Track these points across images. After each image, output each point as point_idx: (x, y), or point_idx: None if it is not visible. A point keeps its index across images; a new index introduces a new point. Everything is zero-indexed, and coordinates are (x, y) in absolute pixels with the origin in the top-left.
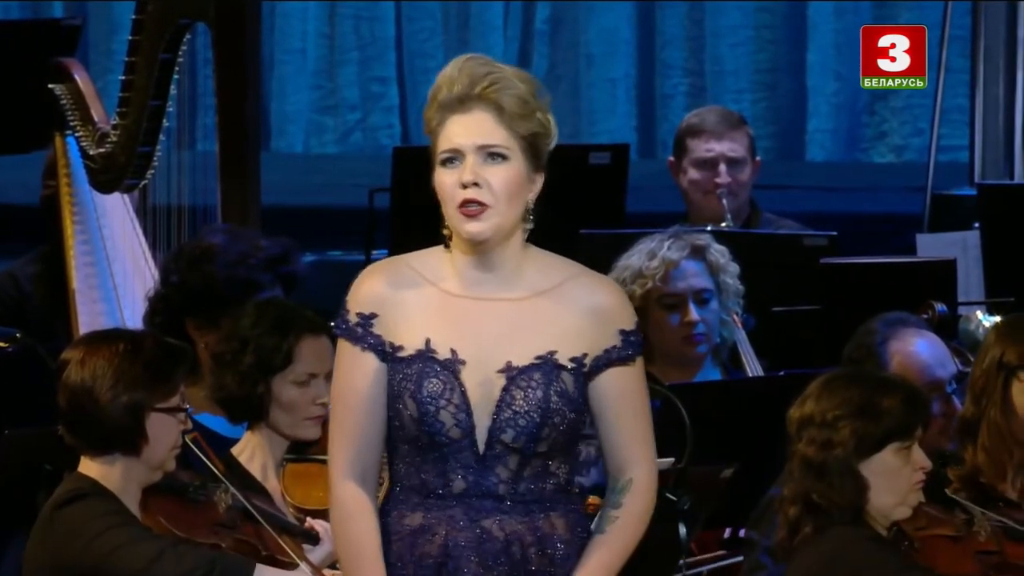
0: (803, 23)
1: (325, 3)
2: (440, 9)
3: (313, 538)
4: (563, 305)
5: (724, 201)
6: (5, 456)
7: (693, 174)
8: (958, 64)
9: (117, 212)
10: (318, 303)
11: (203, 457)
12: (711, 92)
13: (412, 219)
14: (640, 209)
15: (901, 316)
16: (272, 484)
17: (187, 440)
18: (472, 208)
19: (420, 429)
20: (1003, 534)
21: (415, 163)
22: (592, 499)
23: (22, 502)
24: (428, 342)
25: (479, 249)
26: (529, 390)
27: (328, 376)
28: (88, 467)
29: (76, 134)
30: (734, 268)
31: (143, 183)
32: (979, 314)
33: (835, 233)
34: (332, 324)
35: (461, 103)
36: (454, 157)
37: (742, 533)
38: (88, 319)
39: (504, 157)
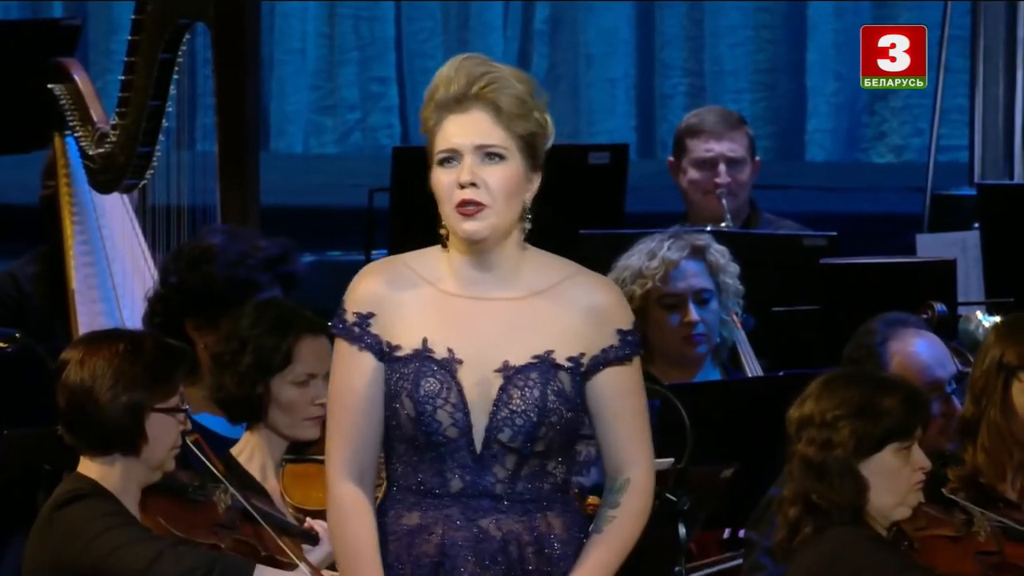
0: (803, 23)
1: (325, 3)
2: (440, 9)
3: (312, 538)
4: (561, 305)
5: (724, 201)
6: (5, 456)
7: (693, 174)
8: (958, 64)
9: (116, 212)
10: (317, 303)
11: (203, 458)
12: (710, 92)
13: (412, 219)
14: (639, 209)
15: (901, 316)
16: (271, 484)
17: (188, 442)
18: (469, 208)
19: (417, 429)
20: (1003, 534)
21: (415, 163)
22: (592, 499)
23: (22, 502)
24: (425, 341)
25: (476, 249)
26: (526, 389)
27: (327, 376)
28: (87, 467)
29: (75, 134)
30: (734, 268)
31: (142, 183)
32: (979, 314)
33: (835, 233)
34: (329, 324)
35: (458, 103)
36: (451, 157)
37: (742, 534)
38: (87, 319)
39: (502, 157)
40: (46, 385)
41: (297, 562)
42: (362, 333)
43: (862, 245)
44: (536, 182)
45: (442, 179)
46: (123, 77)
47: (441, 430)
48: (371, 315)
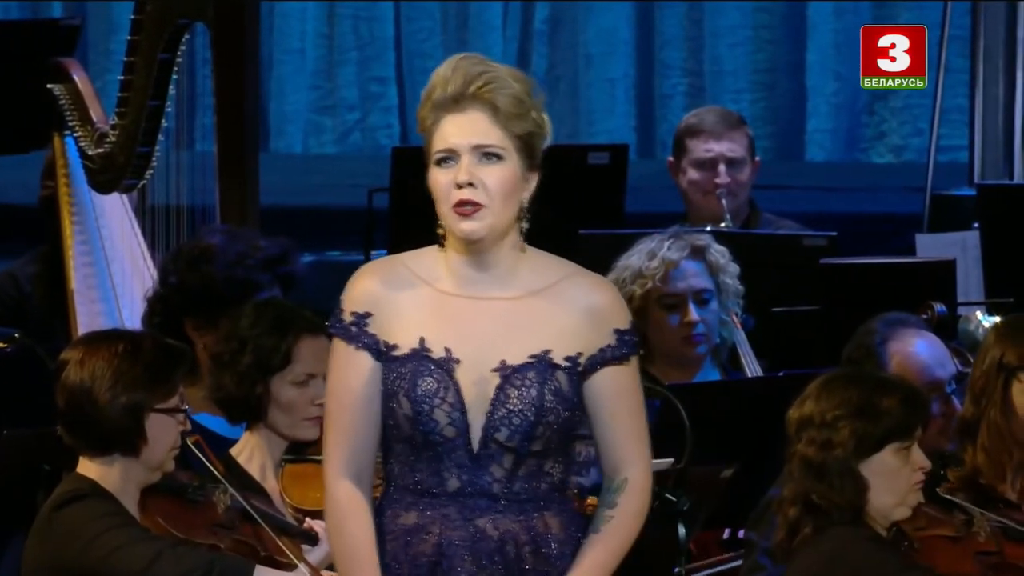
0: (802, 23)
1: (324, 3)
2: (439, 9)
3: (312, 539)
4: (558, 304)
5: (723, 201)
6: (4, 456)
7: (692, 174)
8: (958, 64)
9: (116, 212)
10: (317, 303)
11: (202, 458)
12: (710, 92)
13: (411, 219)
14: (639, 209)
15: (900, 316)
16: (271, 484)
17: (189, 443)
18: (467, 208)
19: (414, 428)
20: (1002, 534)
21: (414, 163)
22: (592, 499)
23: (21, 502)
24: (422, 341)
25: (474, 248)
26: (523, 389)
27: (327, 377)
28: (87, 468)
29: (75, 134)
30: (734, 268)
31: (142, 183)
32: (979, 314)
33: (835, 233)
34: (327, 323)
35: (456, 102)
36: (449, 157)
37: (741, 534)
38: (87, 319)
39: (499, 157)
40: (45, 385)
41: (296, 562)
42: (359, 333)
43: (862, 245)
44: (534, 182)
45: (439, 179)
46: (122, 77)
47: (438, 429)
48: (368, 315)
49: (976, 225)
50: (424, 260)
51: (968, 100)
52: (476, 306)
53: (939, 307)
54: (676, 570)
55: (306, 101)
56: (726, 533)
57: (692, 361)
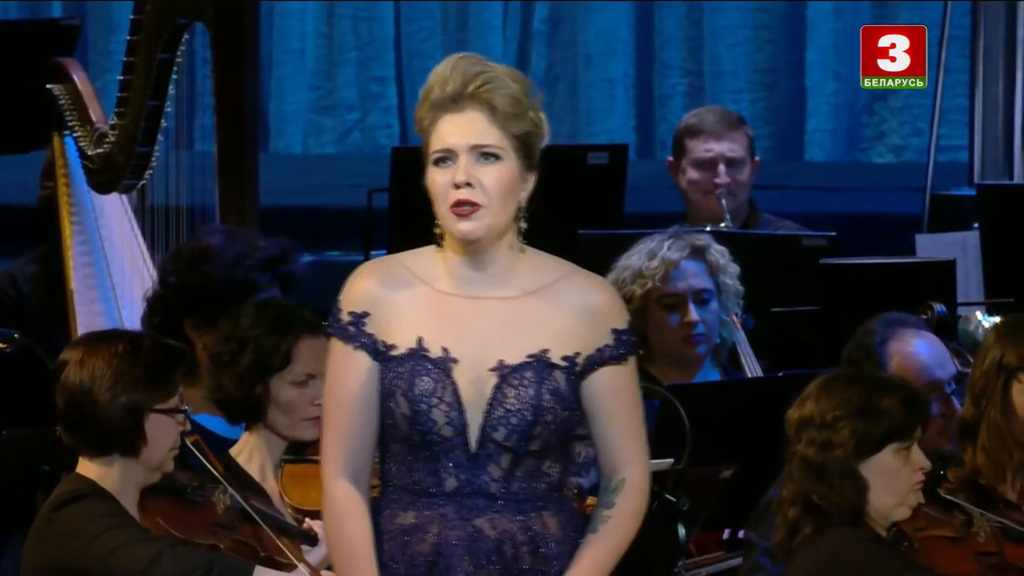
0: (802, 23)
1: (324, 3)
2: (439, 9)
3: (311, 539)
4: (555, 304)
5: (723, 201)
6: (4, 457)
7: (692, 174)
8: (958, 64)
9: (115, 212)
10: (316, 303)
11: (202, 459)
12: (710, 92)
13: (411, 219)
14: (639, 209)
15: (900, 317)
16: (270, 485)
17: (188, 443)
18: (465, 208)
19: (412, 428)
20: (1002, 535)
21: (414, 163)
22: (592, 500)
23: (20, 503)
24: (420, 341)
25: (471, 249)
26: (521, 388)
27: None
28: (86, 468)
29: (74, 134)
30: (734, 269)
31: (141, 183)
32: (978, 315)
33: (834, 233)
34: (325, 323)
35: (454, 102)
36: (447, 157)
37: (741, 534)
38: (86, 320)
39: (497, 157)
40: (45, 385)
41: (296, 563)
42: (357, 332)
43: (862, 245)
44: (531, 182)
45: (437, 179)
46: (122, 77)
47: (436, 429)
48: (366, 314)
49: (976, 225)
50: (422, 260)
51: (968, 100)
52: (474, 306)
53: (939, 307)
54: (676, 569)
55: (306, 101)
56: (726, 533)
57: (692, 361)
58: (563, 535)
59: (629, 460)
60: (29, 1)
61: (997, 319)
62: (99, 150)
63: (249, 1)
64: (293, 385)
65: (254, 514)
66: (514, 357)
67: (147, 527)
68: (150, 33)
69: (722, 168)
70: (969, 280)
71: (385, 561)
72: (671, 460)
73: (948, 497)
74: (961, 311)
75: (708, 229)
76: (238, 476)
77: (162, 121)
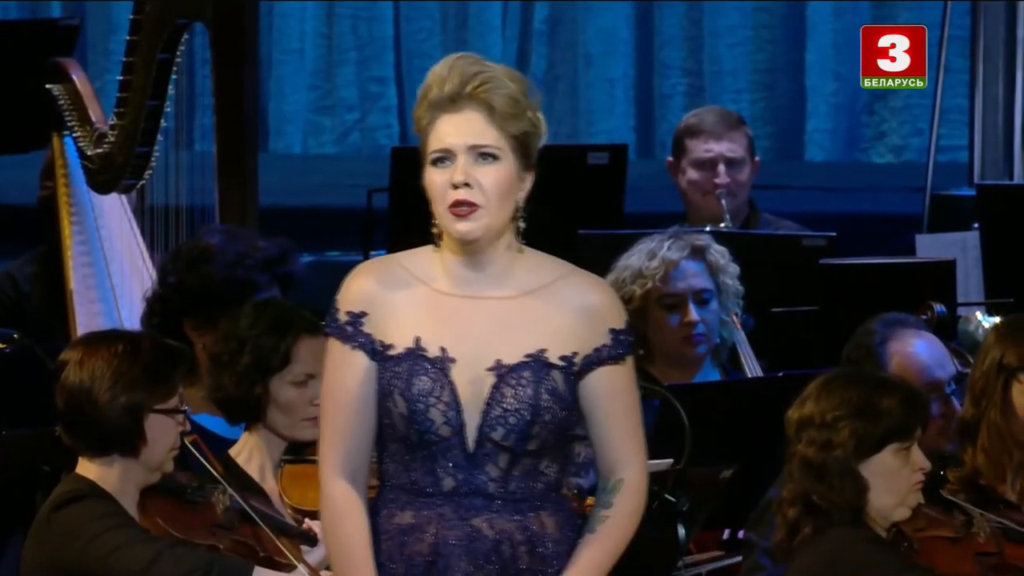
0: (802, 23)
1: (323, 3)
2: (438, 9)
3: (311, 539)
4: (553, 304)
5: (723, 201)
6: (3, 457)
7: (692, 174)
8: (957, 64)
9: (115, 212)
10: (316, 304)
11: (201, 459)
12: (709, 92)
13: (410, 219)
14: (639, 209)
15: (900, 317)
16: (270, 485)
17: (186, 443)
18: (463, 208)
19: (410, 427)
20: (1002, 535)
21: (413, 163)
22: (591, 500)
23: (20, 503)
24: (418, 340)
25: (469, 249)
26: (519, 388)
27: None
28: (86, 468)
29: (74, 134)
30: (734, 269)
31: (141, 183)
32: (978, 315)
33: (834, 234)
34: (322, 323)
35: (452, 102)
36: (445, 157)
37: (741, 534)
38: (86, 320)
39: (495, 157)
40: (45, 386)
41: (295, 563)
42: (355, 332)
43: (861, 245)
44: (529, 182)
45: (435, 179)
46: (121, 77)
47: (434, 428)
48: (364, 314)
49: (976, 225)
50: (420, 259)
51: (968, 100)
52: (471, 305)
53: (939, 307)
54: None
55: (305, 101)
56: (726, 533)
57: (692, 361)
58: (561, 535)
59: (627, 460)
60: (29, 1)
61: (997, 319)
62: (99, 150)
63: (249, 1)
64: (293, 385)
65: (253, 514)
66: (512, 357)
67: (147, 527)
68: (149, 33)
69: (722, 168)
70: (969, 280)
71: (383, 561)
72: (671, 460)
73: (949, 497)
74: (961, 311)
75: (708, 229)
76: (237, 476)
77: (162, 121)
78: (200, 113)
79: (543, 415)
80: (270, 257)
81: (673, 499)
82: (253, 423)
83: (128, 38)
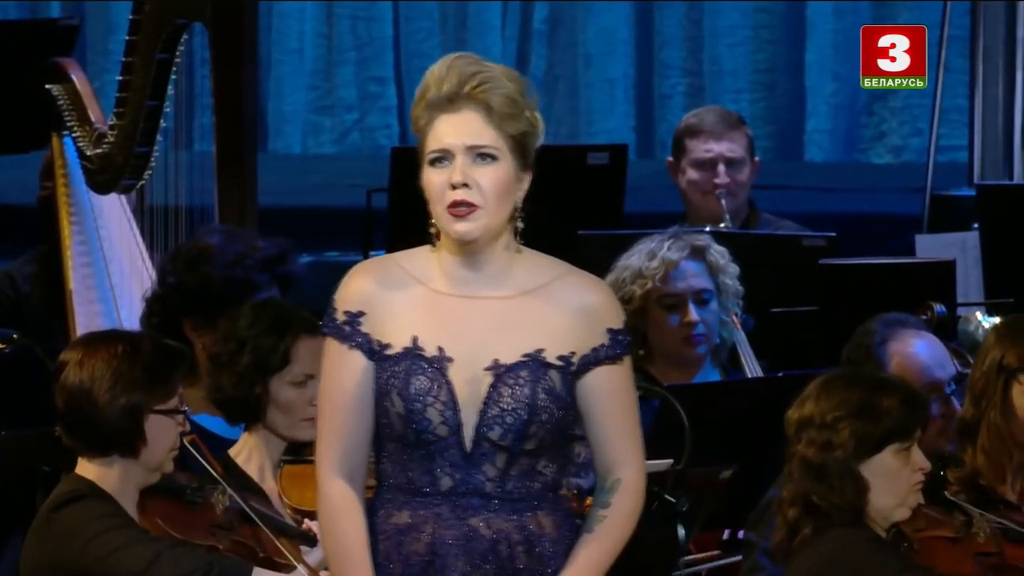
0: (802, 23)
1: (322, 3)
2: (438, 9)
3: (310, 540)
4: (551, 304)
5: (723, 201)
6: (3, 457)
7: (692, 174)
8: (957, 64)
9: (114, 213)
10: (315, 304)
11: (201, 459)
12: (709, 92)
13: (410, 219)
14: (638, 209)
15: (900, 317)
16: (269, 485)
17: (185, 442)
18: (461, 209)
19: (407, 427)
20: (1002, 536)
21: (413, 163)
22: (591, 500)
23: (20, 503)
24: (415, 340)
25: (467, 249)
26: (516, 387)
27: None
28: (86, 468)
29: (73, 134)
30: (734, 269)
31: (140, 183)
32: (978, 315)
33: (834, 234)
34: (320, 323)
35: (450, 102)
36: (443, 157)
37: (741, 535)
38: (85, 320)
39: (493, 157)
40: (44, 386)
41: (295, 564)
42: (352, 332)
43: (861, 246)
44: (527, 182)
45: (433, 179)
46: (121, 77)
47: (431, 428)
48: (361, 314)
49: (976, 225)
50: (417, 259)
51: (968, 100)
52: (469, 305)
53: (939, 308)
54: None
55: (304, 101)
56: (726, 533)
57: (692, 361)
58: (558, 535)
59: (624, 460)
60: (28, 1)
61: (997, 319)
62: (98, 150)
63: (248, 1)
64: (292, 385)
65: (253, 515)
66: (509, 356)
67: (146, 528)
68: (149, 33)
69: (722, 168)
70: (969, 280)
71: (380, 561)
72: (671, 460)
73: (949, 497)
74: (961, 311)
75: (708, 229)
76: (237, 477)
77: (161, 121)
78: (199, 113)
79: (540, 415)
80: (269, 257)
81: (673, 499)
82: (252, 423)
83: (127, 38)
